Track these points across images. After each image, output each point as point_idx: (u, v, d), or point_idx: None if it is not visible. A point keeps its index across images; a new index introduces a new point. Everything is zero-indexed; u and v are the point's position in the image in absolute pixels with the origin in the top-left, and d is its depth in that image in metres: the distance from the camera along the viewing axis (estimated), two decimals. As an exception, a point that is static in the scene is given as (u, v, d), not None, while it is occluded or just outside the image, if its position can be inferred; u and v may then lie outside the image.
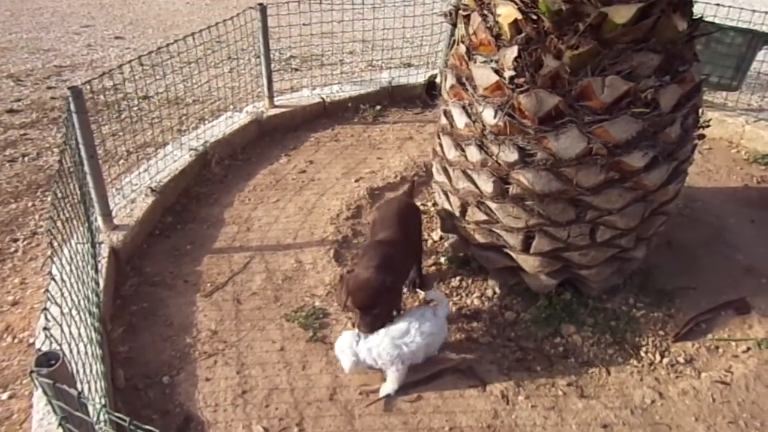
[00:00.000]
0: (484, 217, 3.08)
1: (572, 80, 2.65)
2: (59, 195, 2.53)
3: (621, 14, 2.50)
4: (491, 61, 2.85)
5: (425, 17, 5.42)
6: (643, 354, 2.98)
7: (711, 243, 3.69)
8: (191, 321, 3.08)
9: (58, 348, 1.73)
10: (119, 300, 3.20)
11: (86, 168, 3.24)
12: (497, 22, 2.79)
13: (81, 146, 3.17)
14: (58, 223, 2.44)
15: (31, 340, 3.04)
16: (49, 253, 3.18)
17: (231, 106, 5.15)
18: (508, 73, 2.74)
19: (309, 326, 3.03)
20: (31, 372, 1.58)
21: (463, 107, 3.00)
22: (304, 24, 5.12)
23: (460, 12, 3.04)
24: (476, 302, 3.27)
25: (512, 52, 2.71)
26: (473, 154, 2.98)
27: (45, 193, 4.23)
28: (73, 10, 8.29)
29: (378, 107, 5.19)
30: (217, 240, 3.68)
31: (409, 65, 6.36)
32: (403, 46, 6.16)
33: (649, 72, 2.66)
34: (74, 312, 2.72)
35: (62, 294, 2.18)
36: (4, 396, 2.77)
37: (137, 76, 4.12)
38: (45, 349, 1.68)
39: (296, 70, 6.29)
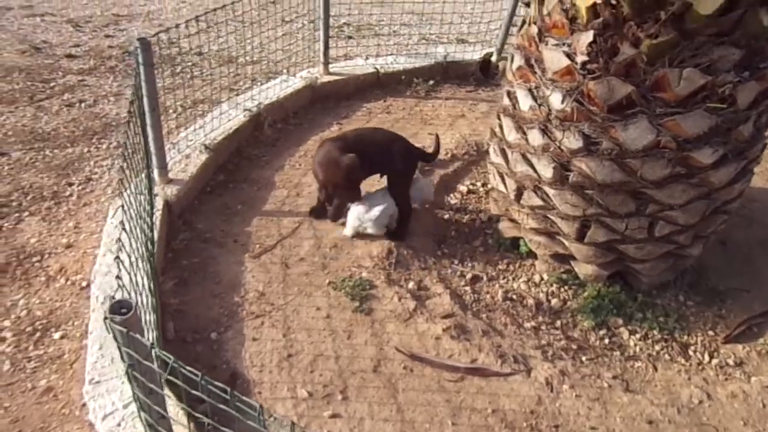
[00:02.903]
0: (540, 203, 3.05)
1: (647, 70, 2.58)
2: (129, 144, 2.56)
3: (706, 5, 2.41)
4: (563, 44, 2.78)
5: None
6: (691, 353, 2.94)
7: (767, 245, 3.59)
8: (239, 280, 3.12)
9: (129, 297, 1.77)
10: (170, 253, 3.26)
11: (147, 120, 3.27)
12: (574, 5, 2.71)
13: (145, 98, 3.19)
14: (127, 172, 2.47)
15: (83, 284, 3.12)
16: (120, 203, 3.25)
17: (284, 70, 5.15)
18: (581, 58, 2.68)
19: (355, 297, 3.05)
20: (105, 318, 1.63)
21: (529, 90, 2.95)
22: None
23: (535, -9, 2.96)
24: (522, 287, 3.26)
25: (587, 36, 2.64)
26: (535, 137, 2.94)
27: (101, 141, 4.30)
28: (132, -40, 8.32)
29: (431, 82, 5.13)
30: (267, 202, 3.71)
31: (463, 41, 6.25)
32: (458, 22, 6.03)
33: (729, 67, 2.56)
34: (134, 260, 2.79)
35: (130, 243, 2.22)
36: (56, 335, 2.86)
37: (194, 32, 4.12)
38: (118, 297, 1.72)
39: (350, 38, 6.22)
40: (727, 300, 3.24)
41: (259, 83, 5.04)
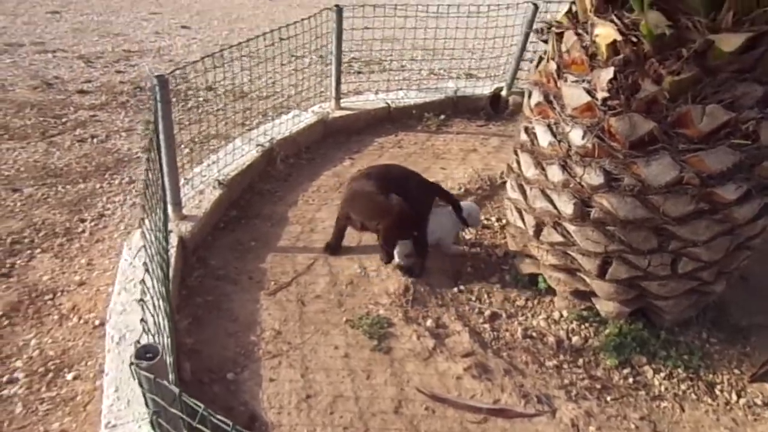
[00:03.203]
0: (560, 239, 3.01)
1: (669, 106, 2.57)
2: (147, 181, 2.54)
3: (729, 43, 2.41)
4: (583, 81, 2.78)
5: (489, 30, 5.33)
6: (718, 392, 2.87)
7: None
8: (255, 318, 3.07)
9: (154, 341, 1.72)
10: (185, 291, 3.22)
11: (163, 157, 3.26)
12: (594, 42, 2.72)
13: (161, 135, 3.19)
14: (145, 208, 2.44)
15: (96, 322, 3.07)
16: (134, 240, 3.21)
17: (295, 105, 5.17)
18: (602, 95, 2.67)
19: (373, 335, 2.99)
20: (131, 364, 1.58)
21: (548, 126, 2.94)
22: (366, 27, 5.09)
23: (553, 29, 2.98)
24: (542, 324, 3.20)
25: (608, 73, 2.64)
26: (555, 173, 2.92)
27: (113, 176, 4.30)
28: (142, -4, 8.48)
29: (442, 116, 5.15)
30: (281, 238, 3.68)
31: (472, 76, 6.31)
32: (466, 57, 6.10)
33: (752, 103, 2.56)
34: (154, 300, 2.75)
35: (152, 283, 2.19)
36: (69, 376, 2.80)
37: (206, 68, 4.15)
38: (143, 341, 1.68)
39: (359, 72, 6.29)
40: (750, 337, 3.18)
41: (270, 118, 5.06)
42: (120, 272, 3.10)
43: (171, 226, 3.41)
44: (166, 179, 3.35)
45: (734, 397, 2.85)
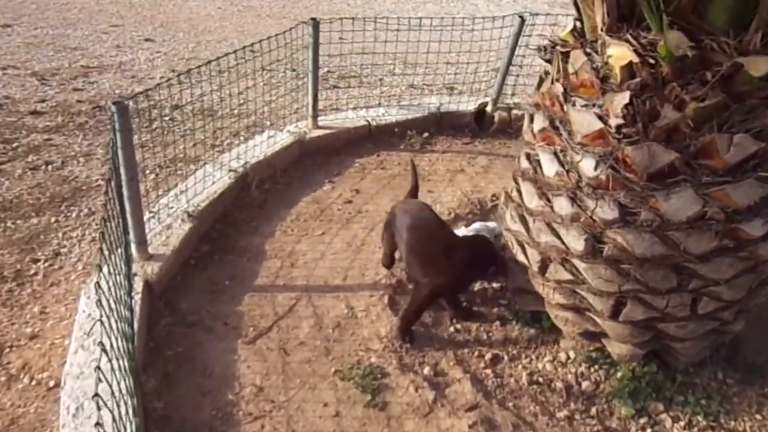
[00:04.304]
0: (568, 277, 2.75)
1: (692, 135, 2.34)
2: (106, 218, 2.20)
3: (759, 67, 2.18)
4: (594, 105, 2.53)
5: (472, 43, 5.08)
6: (742, 443, 2.65)
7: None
8: (233, 372, 2.74)
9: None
10: (152, 343, 2.87)
11: (125, 192, 2.92)
12: (606, 63, 2.47)
13: (122, 168, 2.84)
14: (103, 254, 2.10)
15: (51, 383, 2.71)
16: (92, 286, 2.84)
17: (268, 123, 4.84)
18: (616, 121, 2.42)
19: (366, 388, 2.69)
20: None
21: (555, 153, 2.68)
22: (341, 39, 4.81)
23: (557, 48, 2.73)
24: (548, 367, 2.94)
25: (623, 98, 2.39)
26: (563, 206, 2.66)
27: (70, 208, 3.91)
28: (102, 7, 8.02)
29: (426, 134, 4.88)
30: (259, 276, 3.35)
31: (452, 88, 6.06)
32: (445, 72, 5.83)
33: (780, 131, 2.34)
34: (114, 361, 2.40)
35: (110, 341, 1.85)
36: (20, 450, 2.44)
37: (172, 86, 3.79)
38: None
39: (335, 87, 5.98)
40: (767, 375, 2.97)
41: (241, 137, 4.73)
42: (77, 326, 2.73)
43: (135, 267, 3.07)
44: (128, 217, 3.00)
45: (760, 447, 2.63)
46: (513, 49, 4.81)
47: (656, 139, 2.37)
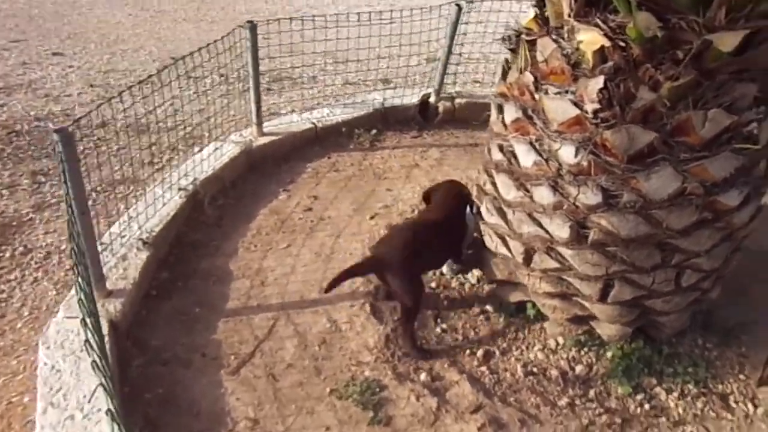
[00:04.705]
0: (554, 265, 2.75)
1: (668, 114, 2.36)
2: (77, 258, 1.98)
3: (727, 42, 2.21)
4: (566, 92, 2.51)
5: (404, 36, 4.97)
6: (733, 404, 2.75)
7: (760, 273, 3.49)
8: (222, 407, 2.57)
9: None
10: (127, 387, 2.64)
11: (78, 227, 2.66)
12: (577, 50, 2.46)
13: (72, 201, 2.59)
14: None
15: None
16: (62, 337, 2.56)
17: (205, 134, 4.57)
18: (592, 106, 2.42)
19: (366, 404, 2.59)
20: None
21: (530, 143, 2.65)
22: (264, 38, 4.59)
23: (523, 36, 2.69)
24: (540, 356, 2.94)
25: (597, 82, 2.39)
26: (543, 195, 2.64)
27: (1, 248, 3.55)
28: (-3, 22, 7.37)
29: (373, 131, 4.78)
30: (229, 299, 3.17)
31: (388, 81, 5.98)
32: (378, 66, 5.72)
33: (749, 104, 2.41)
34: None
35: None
36: None
37: (90, 99, 3.48)
38: None
39: (269, 90, 5.75)
40: (741, 336, 3.09)
41: (179, 152, 4.46)
42: (41, 382, 2.47)
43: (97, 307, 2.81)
44: (84, 253, 2.75)
45: (750, 407, 2.73)
46: (452, 38, 4.77)
47: (633, 121, 2.38)
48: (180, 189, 3.68)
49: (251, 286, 3.25)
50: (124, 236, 3.23)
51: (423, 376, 2.76)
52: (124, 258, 3.12)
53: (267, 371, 2.75)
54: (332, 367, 2.79)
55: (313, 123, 4.64)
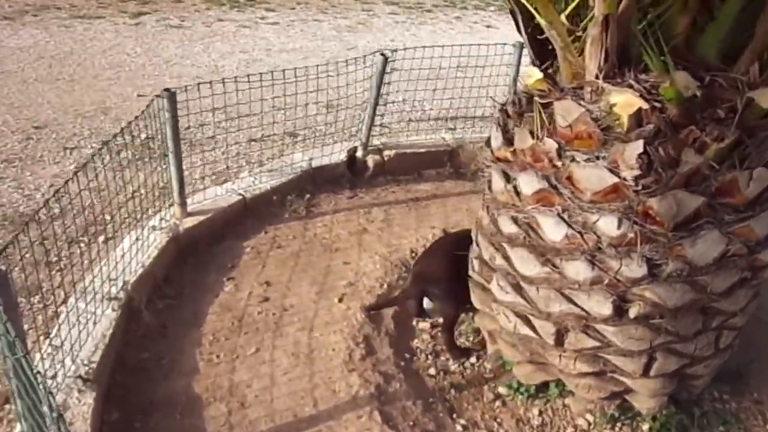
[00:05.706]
0: (593, 344, 2.51)
1: (712, 176, 2.24)
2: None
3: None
4: (598, 158, 2.31)
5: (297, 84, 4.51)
6: (773, 460, 2.67)
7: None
8: None
9: None
10: None
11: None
12: (610, 113, 2.26)
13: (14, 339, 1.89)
14: None
15: None
16: None
17: (108, 218, 3.81)
18: (632, 173, 2.23)
19: None
20: None
21: (558, 215, 2.41)
22: (139, 95, 3.93)
23: (536, 99, 2.45)
24: (576, 440, 2.68)
25: (635, 147, 2.20)
26: (579, 271, 2.40)
27: None
28: None
29: (307, 196, 4.32)
30: (208, 434, 2.56)
31: (294, 135, 5.54)
32: (283, 119, 5.24)
33: (782, 157, 2.36)
34: None
35: None
36: None
37: None
38: None
39: (164, 155, 5.03)
40: (748, 380, 3.06)
41: (81, 246, 3.68)
42: None
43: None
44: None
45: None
46: (378, 88, 4.48)
47: (676, 186, 2.22)
48: (111, 299, 2.97)
49: (229, 412, 2.66)
50: (55, 377, 2.50)
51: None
52: (65, 407, 2.40)
53: None
54: (363, 505, 2.31)
55: (241, 194, 4.08)
